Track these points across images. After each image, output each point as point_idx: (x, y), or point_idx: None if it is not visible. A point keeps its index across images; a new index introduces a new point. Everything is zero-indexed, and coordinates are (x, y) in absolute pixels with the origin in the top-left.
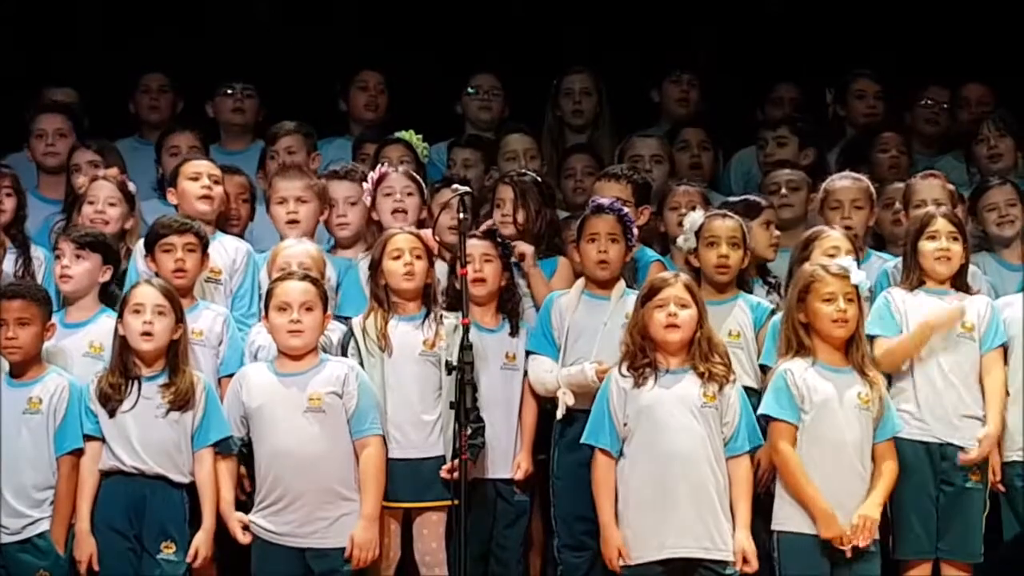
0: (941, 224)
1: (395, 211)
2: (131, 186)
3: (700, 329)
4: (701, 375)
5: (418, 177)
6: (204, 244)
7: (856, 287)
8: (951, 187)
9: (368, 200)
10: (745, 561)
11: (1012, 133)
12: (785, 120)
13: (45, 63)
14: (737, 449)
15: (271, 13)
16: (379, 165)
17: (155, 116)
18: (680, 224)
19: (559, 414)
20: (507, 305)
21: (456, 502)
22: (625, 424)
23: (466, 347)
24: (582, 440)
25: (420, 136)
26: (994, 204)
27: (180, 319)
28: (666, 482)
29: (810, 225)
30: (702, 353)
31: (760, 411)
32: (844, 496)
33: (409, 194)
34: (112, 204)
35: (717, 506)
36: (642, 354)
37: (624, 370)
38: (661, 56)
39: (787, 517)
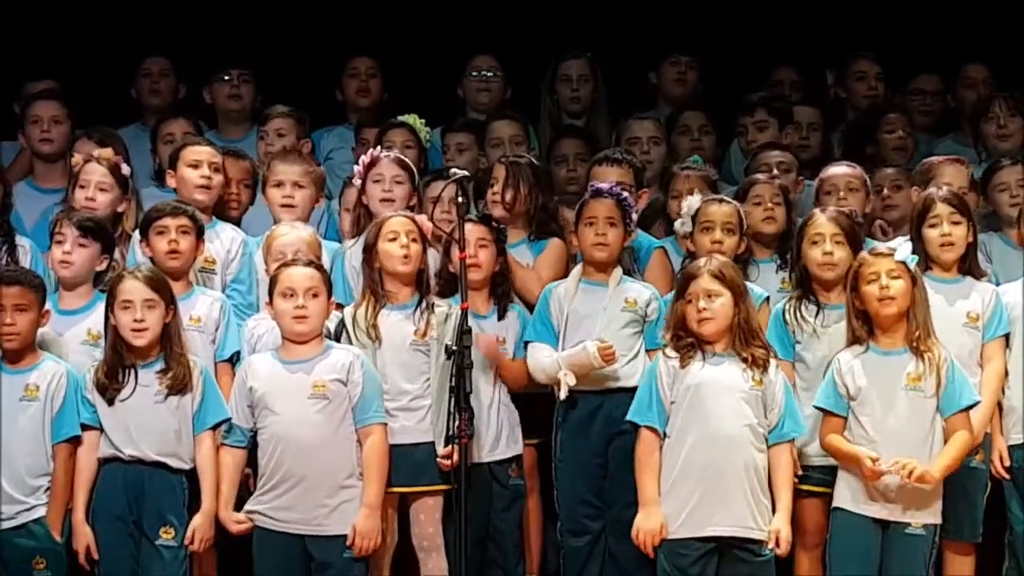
0: (941, 208)
1: (383, 200)
2: (125, 169)
3: (737, 314)
4: (744, 360)
5: (409, 163)
6: (199, 228)
7: (904, 263)
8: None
9: (358, 183)
10: (778, 544)
11: (1022, 113)
12: (761, 102)
13: (44, 51)
14: (781, 437)
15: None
16: (371, 149)
17: (156, 100)
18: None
19: (562, 395)
20: (499, 290)
21: (453, 486)
22: (673, 402)
23: (465, 331)
24: (628, 418)
25: (423, 121)
26: (1005, 184)
27: (171, 303)
28: (712, 462)
29: (800, 207)
30: (742, 338)
31: (813, 402)
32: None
33: (398, 182)
34: (103, 189)
35: (758, 488)
36: (682, 338)
37: (670, 351)
38: (659, 39)
39: (841, 495)
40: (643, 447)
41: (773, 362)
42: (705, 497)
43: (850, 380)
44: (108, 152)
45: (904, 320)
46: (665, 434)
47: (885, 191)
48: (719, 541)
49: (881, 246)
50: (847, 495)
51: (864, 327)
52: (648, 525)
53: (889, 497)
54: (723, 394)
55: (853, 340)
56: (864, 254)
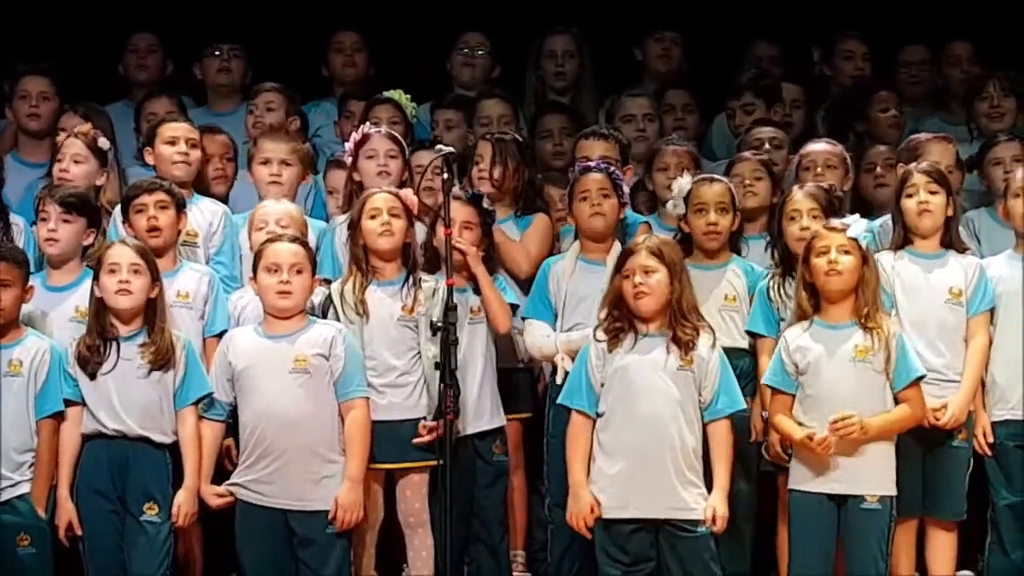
0: (919, 179)
1: (380, 175)
2: (102, 142)
3: (672, 293)
4: (673, 340)
5: (400, 138)
6: (178, 202)
7: (855, 240)
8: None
9: (349, 160)
10: (714, 522)
11: (1016, 93)
12: (748, 85)
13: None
14: (717, 413)
15: None
16: (362, 126)
17: (143, 76)
18: (669, 186)
19: (559, 379)
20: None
21: (439, 462)
22: (603, 385)
23: (451, 307)
24: (558, 401)
25: (409, 96)
26: (1000, 159)
27: (156, 278)
28: (636, 443)
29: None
30: (674, 317)
31: (763, 380)
32: (842, 450)
33: (392, 157)
34: (77, 161)
35: (685, 468)
36: (615, 319)
37: (600, 334)
38: (645, 15)
39: (796, 476)
40: (573, 430)
41: (708, 340)
42: (634, 478)
43: (799, 356)
44: (86, 126)
45: (852, 295)
46: (599, 415)
47: (878, 169)
48: (652, 521)
49: (835, 221)
50: (800, 475)
51: (811, 300)
52: (578, 508)
53: (838, 464)
54: (651, 374)
55: (800, 315)
56: (818, 227)
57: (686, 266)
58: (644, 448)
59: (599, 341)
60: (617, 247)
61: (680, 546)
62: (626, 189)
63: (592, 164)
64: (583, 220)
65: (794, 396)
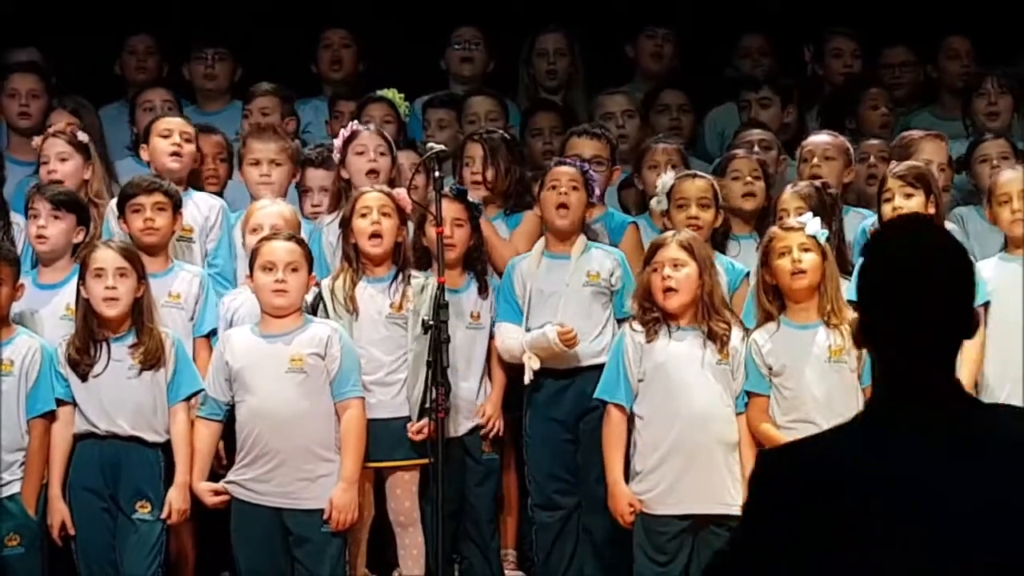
0: (892, 183)
1: (370, 171)
2: (81, 136)
3: (701, 287)
4: (707, 335)
5: (388, 136)
6: (175, 203)
7: (814, 238)
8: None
9: (337, 157)
10: None
11: (1012, 92)
12: (767, 80)
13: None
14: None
15: None
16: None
17: (142, 77)
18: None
19: (527, 379)
20: (476, 265)
21: (429, 460)
22: (641, 380)
23: (442, 305)
24: (595, 395)
25: (403, 95)
26: (987, 156)
27: (142, 277)
28: (684, 440)
29: (782, 186)
30: (705, 312)
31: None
32: None
33: (382, 154)
34: (63, 159)
35: (734, 462)
36: (648, 310)
37: (636, 325)
38: (636, 11)
39: None
40: (611, 425)
41: (739, 332)
42: (683, 474)
43: (772, 359)
44: (63, 124)
45: (816, 294)
46: (633, 410)
47: (872, 159)
48: (696, 518)
49: (791, 220)
50: None
51: (775, 302)
52: (616, 506)
53: None
54: (692, 369)
55: (765, 318)
56: (774, 228)
57: (728, 262)
58: (693, 444)
59: (636, 332)
60: (583, 240)
61: (717, 544)
62: (597, 191)
63: (568, 160)
64: (548, 211)
65: (768, 397)
